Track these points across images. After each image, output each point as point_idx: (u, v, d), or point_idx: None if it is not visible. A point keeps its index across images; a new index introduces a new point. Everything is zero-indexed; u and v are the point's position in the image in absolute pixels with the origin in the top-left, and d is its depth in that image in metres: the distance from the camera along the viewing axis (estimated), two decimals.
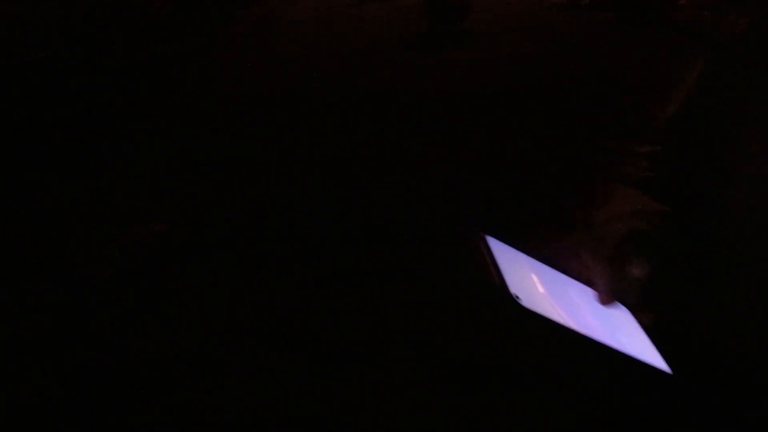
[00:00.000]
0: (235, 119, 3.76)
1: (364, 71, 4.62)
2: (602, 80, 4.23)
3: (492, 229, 1.36)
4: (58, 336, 1.90)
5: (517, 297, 0.44)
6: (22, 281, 2.13)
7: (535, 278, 0.52)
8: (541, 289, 0.50)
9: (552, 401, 0.83)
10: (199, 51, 5.28)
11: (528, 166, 2.84)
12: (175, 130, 3.65)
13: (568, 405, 0.69)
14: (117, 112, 3.88)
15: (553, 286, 0.53)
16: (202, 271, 2.23)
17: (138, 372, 1.73)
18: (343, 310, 1.96)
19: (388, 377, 1.58)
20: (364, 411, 1.54)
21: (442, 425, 1.40)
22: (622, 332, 0.53)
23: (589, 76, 4.35)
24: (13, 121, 3.09)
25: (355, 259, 2.21)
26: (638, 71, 4.39)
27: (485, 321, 1.45)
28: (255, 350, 1.83)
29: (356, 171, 2.98)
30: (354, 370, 1.67)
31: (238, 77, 4.59)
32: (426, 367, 1.46)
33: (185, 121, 3.78)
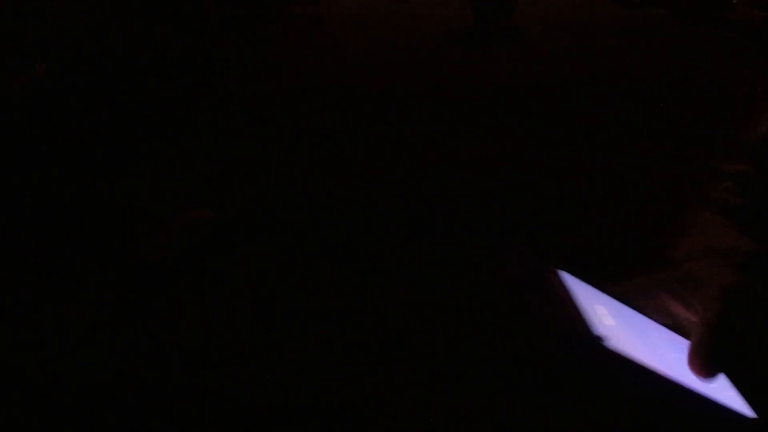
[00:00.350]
0: (284, 113, 3.81)
1: (412, 66, 4.62)
2: (663, 83, 4.14)
3: (560, 260, 1.31)
4: (117, 316, 1.95)
5: (601, 338, 0.41)
6: (83, 263, 2.20)
7: (614, 318, 0.48)
8: (621, 330, 0.47)
9: None
10: (249, 47, 5.36)
11: (590, 180, 2.75)
12: (225, 122, 3.71)
13: None
14: (169, 106, 3.96)
15: (634, 326, 0.49)
16: (249, 259, 2.27)
17: (187, 352, 1.77)
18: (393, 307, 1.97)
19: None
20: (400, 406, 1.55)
21: None
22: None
23: (648, 78, 4.27)
24: (72, 113, 3.18)
25: (408, 260, 2.21)
26: (705, 74, 4.28)
27: (568, 364, 1.41)
28: (296, 335, 1.86)
29: (408, 167, 2.98)
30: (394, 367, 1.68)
31: (288, 72, 4.64)
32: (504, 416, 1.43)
33: (236, 114, 3.84)
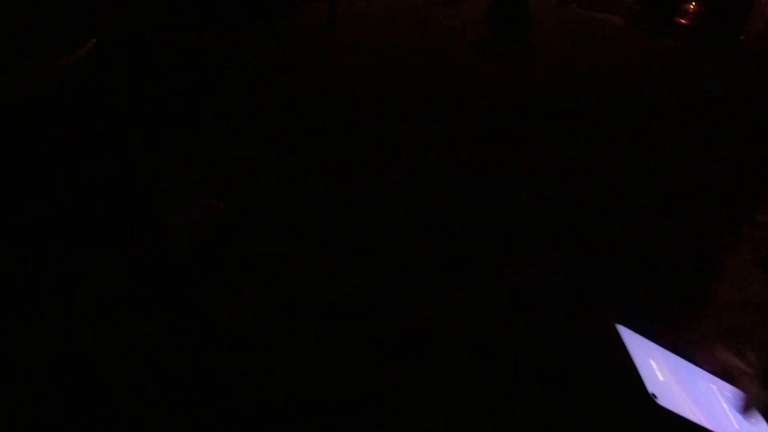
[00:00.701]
0: (296, 111, 3.84)
1: (427, 72, 4.66)
2: (669, 109, 4.20)
3: (613, 309, 1.31)
4: (128, 300, 1.97)
5: (654, 396, 0.41)
6: (104, 245, 2.22)
7: (670, 373, 0.48)
8: (677, 386, 0.46)
9: None
10: (265, 44, 5.37)
11: (631, 223, 2.65)
12: (240, 118, 3.73)
13: None
14: (186, 100, 3.99)
15: (689, 382, 0.48)
16: (258, 252, 2.29)
17: (198, 339, 1.79)
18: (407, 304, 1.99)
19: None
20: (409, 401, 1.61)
21: None
22: None
23: (640, 101, 4.33)
24: (84, 107, 3.20)
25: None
26: (711, 103, 4.34)
27: (623, 422, 1.46)
28: (305, 327, 1.89)
29: (413, 168, 3.02)
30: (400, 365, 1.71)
31: (300, 71, 4.67)
32: None
33: (251, 110, 3.87)
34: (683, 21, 7.79)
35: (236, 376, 1.66)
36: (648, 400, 0.46)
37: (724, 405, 0.52)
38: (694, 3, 7.25)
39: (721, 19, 7.29)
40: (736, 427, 0.49)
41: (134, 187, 2.60)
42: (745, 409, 0.53)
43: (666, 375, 0.52)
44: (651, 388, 0.47)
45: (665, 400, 0.47)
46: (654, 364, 0.52)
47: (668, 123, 3.95)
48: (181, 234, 2.28)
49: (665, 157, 3.31)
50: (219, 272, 2.13)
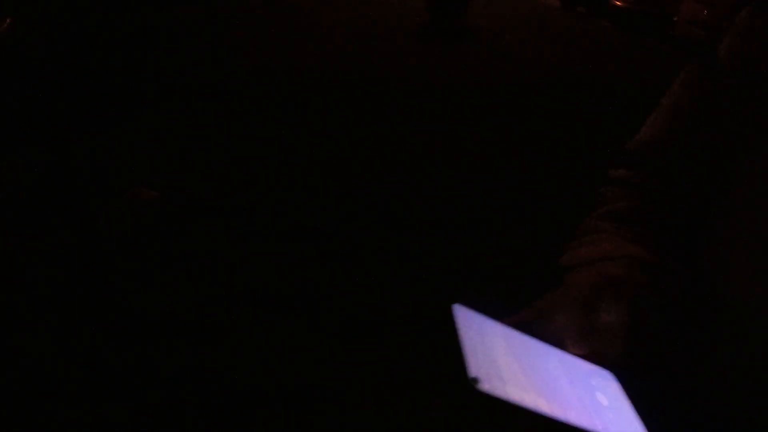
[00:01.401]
0: (234, 93, 3.70)
1: (365, 57, 4.58)
2: (600, 88, 4.25)
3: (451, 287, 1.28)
4: (70, 284, 1.86)
5: (476, 379, 0.37)
6: (40, 231, 2.09)
7: (507, 353, 0.43)
8: (513, 366, 0.42)
9: None
10: (200, 22, 5.18)
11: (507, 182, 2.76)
12: (174, 101, 3.57)
13: None
14: (119, 80, 3.79)
15: (528, 359, 0.44)
16: (196, 237, 2.21)
17: (138, 327, 1.71)
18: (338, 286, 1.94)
19: None
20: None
21: None
22: (606, 408, 0.45)
23: (588, 82, 4.38)
24: (29, 76, 2.99)
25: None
26: (637, 83, 4.41)
27: (443, 408, 1.42)
28: (246, 314, 1.82)
29: (348, 151, 2.95)
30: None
31: (237, 52, 4.51)
32: None
33: (185, 92, 3.71)
34: (618, 3, 7.97)
35: (173, 368, 1.57)
36: (468, 384, 0.40)
37: (566, 378, 0.48)
38: None
39: (655, 1, 7.48)
40: (577, 399, 0.45)
41: (65, 175, 2.45)
42: (576, 352, 0.50)
43: (502, 356, 0.47)
44: (475, 372, 0.41)
45: (491, 384, 0.41)
46: (489, 344, 0.46)
47: (593, 102, 3.99)
48: (115, 223, 2.16)
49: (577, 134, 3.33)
50: (152, 261, 2.03)
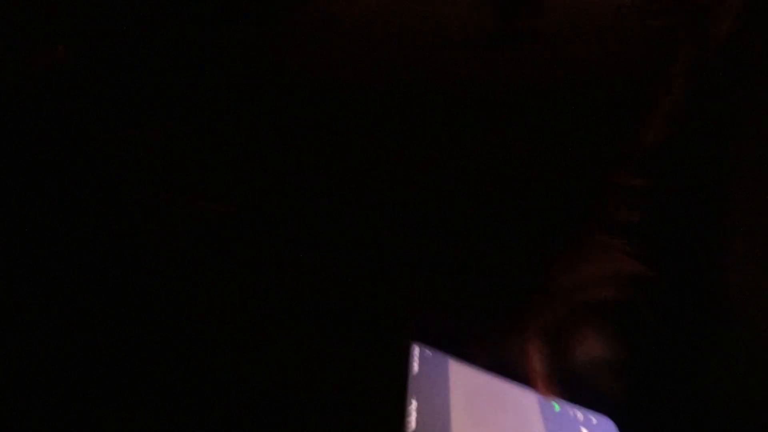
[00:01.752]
0: (292, 109, 3.76)
1: (429, 68, 4.56)
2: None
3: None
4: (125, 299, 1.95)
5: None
6: (90, 252, 2.20)
7: (468, 402, 0.39)
8: (476, 418, 0.38)
9: None
10: (258, 39, 5.30)
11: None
12: (232, 116, 3.67)
13: None
14: (182, 95, 3.93)
15: (497, 410, 0.40)
16: (254, 252, 2.26)
17: (188, 343, 1.76)
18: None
19: None
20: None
21: None
22: None
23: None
24: (86, 101, 3.14)
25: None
26: None
27: None
28: (302, 328, 1.87)
29: (412, 169, 2.94)
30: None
31: (298, 69, 4.58)
32: None
33: (241, 107, 3.80)
34: None
35: (232, 378, 1.64)
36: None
37: (541, 423, 0.44)
38: None
39: None
40: None
41: (125, 189, 2.57)
42: (544, 393, 0.47)
43: (465, 410, 0.44)
44: (416, 426, 0.40)
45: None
46: (448, 395, 0.44)
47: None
48: (174, 236, 2.25)
49: None
50: (214, 274, 2.10)
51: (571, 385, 0.45)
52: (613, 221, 0.53)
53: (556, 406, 0.46)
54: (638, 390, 0.46)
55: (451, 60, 4.63)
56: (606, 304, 0.47)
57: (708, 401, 0.48)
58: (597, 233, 0.53)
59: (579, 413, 0.44)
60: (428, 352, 0.44)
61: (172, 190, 2.55)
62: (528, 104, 3.85)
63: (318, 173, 2.78)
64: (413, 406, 0.41)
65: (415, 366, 0.44)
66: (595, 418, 0.44)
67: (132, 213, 2.32)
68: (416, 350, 0.44)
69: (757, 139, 0.46)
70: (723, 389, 0.48)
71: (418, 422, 0.40)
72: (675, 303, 0.48)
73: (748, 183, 0.46)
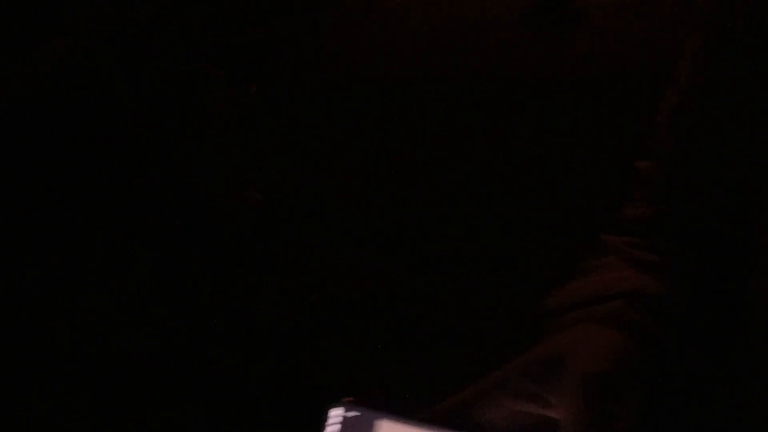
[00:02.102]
0: (336, 101, 3.71)
1: (469, 52, 4.46)
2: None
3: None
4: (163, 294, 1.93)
5: None
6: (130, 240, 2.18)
7: None
8: None
9: None
10: (302, 32, 5.28)
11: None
12: (277, 108, 3.65)
13: None
14: (221, 90, 3.92)
15: None
16: (298, 241, 2.21)
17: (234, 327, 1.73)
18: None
19: None
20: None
21: None
22: None
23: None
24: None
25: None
26: None
27: None
28: (339, 323, 1.83)
29: (459, 160, 2.86)
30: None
31: (340, 59, 4.54)
32: None
33: (287, 99, 3.77)
34: None
35: (271, 372, 1.61)
36: None
37: None
38: None
39: None
40: None
41: (170, 183, 2.54)
42: None
43: None
44: None
45: None
46: None
47: None
48: (222, 225, 2.20)
49: None
50: (255, 265, 2.05)
51: None
52: (635, 218, 0.43)
53: None
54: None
55: (495, 43, 4.44)
56: (618, 322, 0.36)
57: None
58: (608, 234, 0.43)
59: None
60: (355, 412, 0.33)
61: (223, 181, 2.53)
62: (571, 85, 3.67)
63: (368, 163, 2.72)
64: None
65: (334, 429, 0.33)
66: None
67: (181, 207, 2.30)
68: (337, 411, 0.33)
69: None
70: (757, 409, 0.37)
71: None
72: (700, 316, 0.38)
73: None
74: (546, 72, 3.97)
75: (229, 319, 1.78)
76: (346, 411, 0.34)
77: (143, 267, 1.98)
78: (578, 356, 0.35)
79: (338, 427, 0.34)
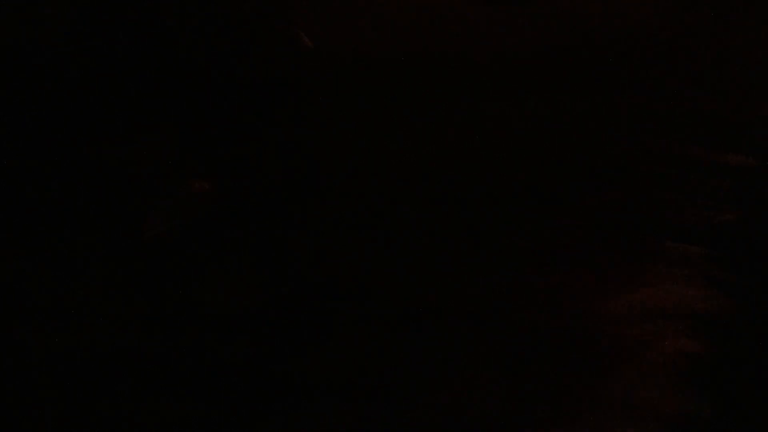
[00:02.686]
0: (290, 79, 3.66)
1: (426, 30, 4.44)
2: (681, 53, 3.91)
3: None
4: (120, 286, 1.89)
5: None
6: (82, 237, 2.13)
7: None
8: None
9: None
10: (262, 7, 5.19)
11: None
12: (224, 88, 3.58)
13: None
14: (168, 70, 3.83)
15: None
16: (251, 231, 2.18)
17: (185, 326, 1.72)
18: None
19: None
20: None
21: None
22: None
23: (666, 45, 4.04)
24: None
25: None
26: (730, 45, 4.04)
27: None
28: (303, 311, 1.79)
29: (421, 138, 2.84)
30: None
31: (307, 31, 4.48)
32: None
33: (234, 74, 3.70)
34: None
35: (234, 364, 1.58)
36: None
37: None
38: None
39: None
40: None
41: (111, 172, 2.48)
42: None
43: None
44: None
45: None
46: None
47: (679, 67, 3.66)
48: (164, 220, 2.15)
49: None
50: (207, 258, 2.01)
51: None
52: (716, 223, 0.40)
53: None
54: None
55: (458, 19, 4.39)
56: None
57: None
58: (669, 240, 0.40)
59: None
60: None
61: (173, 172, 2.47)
62: (534, 60, 3.67)
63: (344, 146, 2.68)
64: None
65: None
66: None
67: (122, 196, 2.25)
68: None
69: None
70: None
71: None
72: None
73: None
74: (508, 47, 3.97)
75: (229, 318, 1.77)
76: None
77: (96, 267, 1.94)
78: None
79: None
